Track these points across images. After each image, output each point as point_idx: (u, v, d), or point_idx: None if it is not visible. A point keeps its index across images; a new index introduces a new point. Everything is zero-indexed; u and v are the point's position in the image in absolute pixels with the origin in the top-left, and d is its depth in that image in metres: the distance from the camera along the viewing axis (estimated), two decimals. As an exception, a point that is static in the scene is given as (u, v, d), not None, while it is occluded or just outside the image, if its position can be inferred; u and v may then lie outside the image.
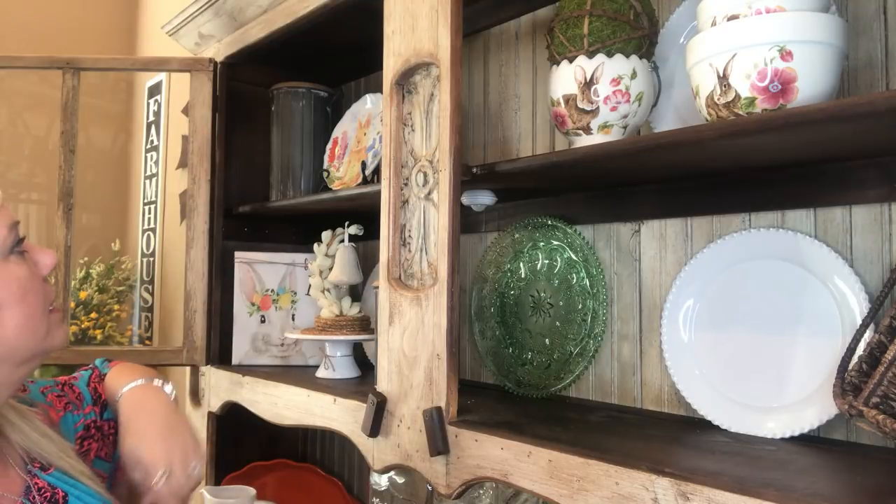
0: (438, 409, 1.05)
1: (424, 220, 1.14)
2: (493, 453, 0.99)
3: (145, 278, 2.84)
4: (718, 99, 0.89)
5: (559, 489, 0.90)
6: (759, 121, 0.83)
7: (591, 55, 1.04)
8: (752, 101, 0.86)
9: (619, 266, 1.23)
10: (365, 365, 1.57)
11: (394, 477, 1.55)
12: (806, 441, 0.95)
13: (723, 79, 0.88)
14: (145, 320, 2.84)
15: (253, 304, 1.73)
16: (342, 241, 1.56)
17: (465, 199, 1.25)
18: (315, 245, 1.60)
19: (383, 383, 1.16)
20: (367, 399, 1.17)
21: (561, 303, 1.27)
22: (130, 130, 3.07)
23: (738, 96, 0.87)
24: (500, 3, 1.37)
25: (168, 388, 0.98)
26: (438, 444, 1.04)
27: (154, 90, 2.88)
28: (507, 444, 0.97)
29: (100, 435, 0.96)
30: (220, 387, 1.65)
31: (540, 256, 1.31)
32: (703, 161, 1.02)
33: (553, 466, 0.91)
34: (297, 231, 1.91)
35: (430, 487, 1.44)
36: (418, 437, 1.08)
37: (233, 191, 1.78)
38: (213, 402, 1.68)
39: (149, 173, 2.86)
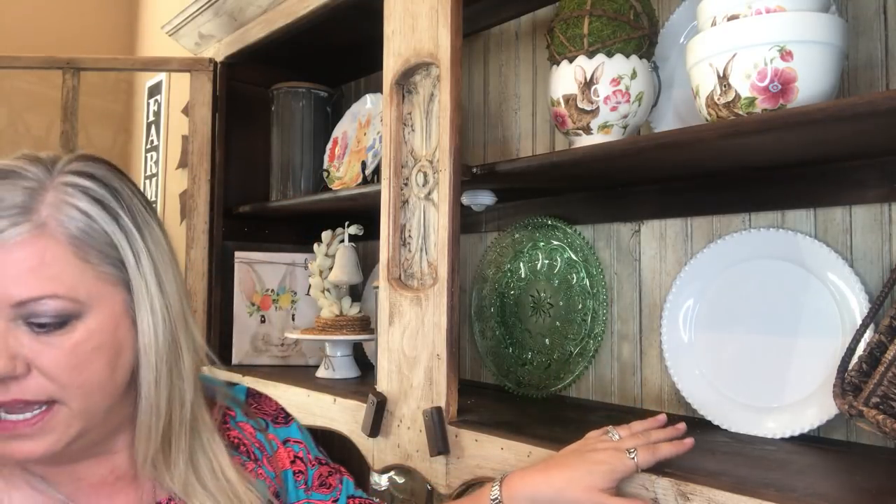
0: (438, 409, 1.05)
1: (424, 220, 1.14)
2: (493, 453, 0.99)
3: (145, 278, 2.83)
4: (718, 99, 0.89)
5: None
6: (760, 121, 0.83)
7: (591, 55, 1.04)
8: (752, 101, 0.86)
9: (619, 266, 1.23)
10: (365, 365, 1.57)
11: (394, 477, 1.55)
12: (806, 441, 0.95)
13: (723, 79, 0.88)
14: (145, 320, 2.83)
15: (253, 304, 1.73)
16: (342, 241, 1.56)
17: (465, 199, 1.25)
18: (315, 245, 1.60)
19: (383, 383, 1.16)
20: (367, 399, 1.17)
21: (561, 303, 1.27)
22: (130, 130, 3.07)
23: (738, 96, 0.87)
24: (500, 3, 1.37)
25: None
26: (438, 444, 1.04)
27: (154, 90, 2.88)
28: (507, 444, 0.97)
29: None
30: (220, 387, 1.65)
31: (540, 256, 1.31)
32: (704, 161, 1.02)
33: None
34: (297, 231, 1.91)
35: (429, 487, 1.44)
36: (418, 437, 1.08)
37: (233, 191, 1.78)
38: (213, 402, 1.68)
39: (149, 173, 2.86)
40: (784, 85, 0.84)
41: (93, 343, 0.64)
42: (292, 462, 0.85)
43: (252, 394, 0.90)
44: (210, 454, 0.75)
